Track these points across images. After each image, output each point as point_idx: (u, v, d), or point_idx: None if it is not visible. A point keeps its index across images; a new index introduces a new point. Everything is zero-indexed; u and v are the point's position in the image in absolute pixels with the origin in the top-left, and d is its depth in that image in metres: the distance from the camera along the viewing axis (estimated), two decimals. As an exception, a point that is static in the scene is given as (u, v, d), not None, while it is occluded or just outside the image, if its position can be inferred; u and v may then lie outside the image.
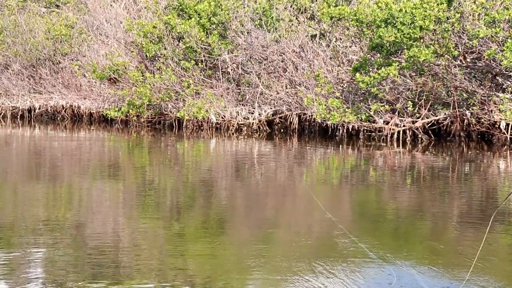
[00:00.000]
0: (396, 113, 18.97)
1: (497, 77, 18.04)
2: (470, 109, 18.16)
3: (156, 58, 23.99)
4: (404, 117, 19.02)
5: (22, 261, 6.30)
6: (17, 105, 28.94)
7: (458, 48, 17.75)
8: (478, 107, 17.86)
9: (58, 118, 27.88)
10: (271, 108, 22.10)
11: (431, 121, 18.96)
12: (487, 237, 7.16)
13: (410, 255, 6.69)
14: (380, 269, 6.11)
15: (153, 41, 23.62)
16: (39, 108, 28.47)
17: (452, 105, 18.41)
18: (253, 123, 22.13)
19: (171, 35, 23.41)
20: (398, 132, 18.99)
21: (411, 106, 18.52)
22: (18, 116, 28.72)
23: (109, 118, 25.22)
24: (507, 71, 17.08)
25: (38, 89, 28.81)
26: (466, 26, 17.20)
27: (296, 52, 21.65)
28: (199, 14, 22.66)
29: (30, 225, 7.79)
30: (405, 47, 17.57)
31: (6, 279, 5.80)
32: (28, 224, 7.82)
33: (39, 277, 5.85)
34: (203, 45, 22.64)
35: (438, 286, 5.65)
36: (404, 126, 19.00)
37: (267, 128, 22.20)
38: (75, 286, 5.60)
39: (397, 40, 17.37)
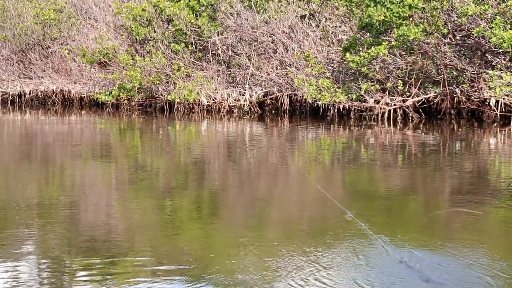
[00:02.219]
0: (387, 92, 19.03)
1: (487, 54, 18.10)
2: (460, 86, 18.24)
3: (146, 41, 23.94)
4: (394, 96, 19.09)
5: (15, 242, 6.34)
6: (7, 91, 28.84)
7: (447, 26, 17.80)
8: (468, 84, 17.93)
9: (49, 103, 27.81)
10: (261, 90, 22.12)
11: (422, 99, 19.03)
12: (480, 212, 7.27)
13: (407, 232, 6.77)
14: (375, 246, 6.18)
15: (143, 24, 23.56)
16: (29, 93, 28.39)
17: (442, 83, 18.48)
18: (244, 104, 22.15)
19: (161, 18, 23.36)
20: (389, 111, 19.06)
21: (401, 85, 18.58)
22: (9, 102, 28.62)
23: (100, 102, 25.18)
24: (496, 48, 17.14)
25: (28, 74, 28.72)
26: (455, 3, 17.24)
27: (286, 33, 21.65)
28: (188, -4, 22.60)
29: (23, 207, 7.83)
30: (395, 26, 17.60)
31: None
32: (21, 206, 7.85)
33: (32, 258, 5.89)
34: (193, 27, 22.60)
35: (429, 261, 5.73)
36: (394, 105, 19.07)
37: (258, 109, 22.22)
38: (68, 265, 5.64)
39: (386, 19, 17.40)
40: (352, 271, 5.47)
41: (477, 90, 17.82)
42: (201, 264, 5.70)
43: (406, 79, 18.74)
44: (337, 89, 19.17)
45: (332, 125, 18.44)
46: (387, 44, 17.79)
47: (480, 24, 16.90)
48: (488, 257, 5.78)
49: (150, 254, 5.96)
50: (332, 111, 20.23)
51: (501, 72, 17.25)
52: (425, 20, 17.58)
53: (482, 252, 5.92)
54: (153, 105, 24.29)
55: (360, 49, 18.73)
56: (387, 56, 18.11)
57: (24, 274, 5.47)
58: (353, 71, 19.38)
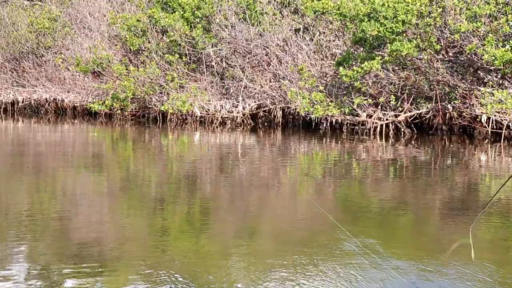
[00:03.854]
0: (379, 106, 19.12)
1: (479, 71, 18.22)
2: (452, 103, 18.34)
3: (140, 52, 24.01)
4: (387, 111, 19.18)
5: (5, 253, 6.35)
6: (0, 99, 28.83)
7: (440, 42, 17.92)
8: (460, 101, 18.04)
9: (42, 112, 27.80)
10: (255, 102, 22.18)
11: (414, 114, 19.12)
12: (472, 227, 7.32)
13: (397, 247, 6.81)
14: (369, 262, 6.22)
15: (137, 34, 23.63)
16: (22, 102, 28.40)
17: (434, 99, 18.58)
18: (237, 116, 22.20)
19: (155, 28, 23.43)
20: (381, 125, 19.15)
21: (393, 100, 18.68)
22: (1, 110, 28.60)
23: (93, 112, 25.20)
24: (488, 65, 17.26)
25: (22, 82, 28.73)
26: (448, 20, 17.37)
27: (280, 46, 21.74)
28: (183, 8, 22.69)
29: (13, 217, 7.83)
30: (388, 41, 17.71)
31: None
32: (11, 216, 7.86)
33: (22, 267, 5.90)
34: (187, 38, 22.68)
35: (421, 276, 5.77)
36: (387, 119, 19.16)
37: (251, 121, 22.28)
38: (58, 277, 5.65)
39: (380, 34, 17.51)
40: (342, 283, 5.50)
41: (469, 107, 17.93)
42: (192, 274, 5.72)
43: (399, 94, 18.84)
44: (330, 103, 19.25)
45: (324, 139, 18.50)
46: (380, 59, 17.89)
47: (472, 41, 17.03)
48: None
49: (140, 264, 5.98)
50: (324, 124, 20.30)
51: (493, 89, 17.37)
52: (418, 36, 17.70)
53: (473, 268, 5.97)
54: (146, 115, 24.33)
55: (354, 63, 18.83)
56: (380, 71, 18.21)
57: (14, 283, 5.48)
58: (346, 85, 19.47)
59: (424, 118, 19.29)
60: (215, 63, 23.07)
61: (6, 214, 7.99)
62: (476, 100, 17.64)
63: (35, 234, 7.04)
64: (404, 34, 17.67)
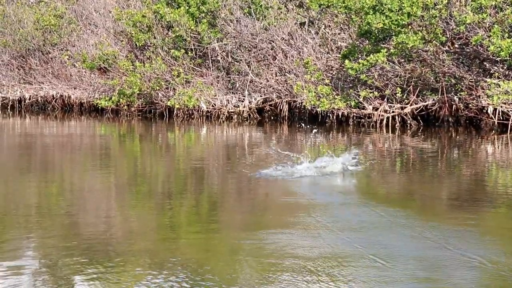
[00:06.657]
0: (385, 99, 19.11)
1: (485, 63, 18.19)
2: (458, 94, 18.32)
3: (146, 47, 24.03)
4: (393, 103, 19.16)
5: (15, 247, 6.40)
6: (7, 96, 28.89)
7: (446, 34, 17.90)
8: (466, 92, 18.01)
9: (49, 108, 27.87)
10: (261, 96, 22.18)
11: (420, 107, 19.10)
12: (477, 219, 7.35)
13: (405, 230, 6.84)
14: (380, 265, 6.25)
15: (143, 30, 23.65)
16: (29, 99, 28.45)
17: (440, 90, 18.55)
18: (243, 111, 22.22)
19: (161, 24, 23.45)
20: (387, 118, 19.14)
21: (400, 92, 18.66)
22: (9, 107, 28.67)
23: (99, 108, 25.22)
24: (494, 57, 17.23)
25: (28, 79, 28.78)
26: (453, 12, 17.34)
27: (285, 40, 21.74)
28: (188, 3, 22.70)
29: (23, 212, 7.89)
30: (394, 34, 17.69)
31: None
32: (20, 211, 7.91)
33: (32, 262, 5.94)
34: (193, 33, 22.69)
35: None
36: (393, 112, 19.15)
37: (257, 115, 22.29)
38: (67, 272, 5.69)
39: (385, 26, 17.49)
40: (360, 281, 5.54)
41: (475, 98, 17.90)
42: (201, 269, 5.76)
43: (405, 86, 18.82)
44: (336, 96, 19.25)
45: (331, 132, 18.51)
46: (386, 52, 17.87)
47: (478, 33, 17.00)
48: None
49: (149, 258, 6.02)
50: (330, 117, 20.30)
51: (499, 80, 17.34)
52: (424, 28, 17.69)
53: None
54: (152, 111, 24.35)
55: (359, 56, 18.81)
56: (386, 63, 18.19)
57: (23, 279, 5.52)
58: (352, 78, 19.46)
59: (430, 110, 19.26)
60: (221, 58, 23.09)
61: (16, 209, 8.04)
62: (483, 92, 17.61)
63: (44, 228, 7.10)
64: (410, 27, 17.65)
